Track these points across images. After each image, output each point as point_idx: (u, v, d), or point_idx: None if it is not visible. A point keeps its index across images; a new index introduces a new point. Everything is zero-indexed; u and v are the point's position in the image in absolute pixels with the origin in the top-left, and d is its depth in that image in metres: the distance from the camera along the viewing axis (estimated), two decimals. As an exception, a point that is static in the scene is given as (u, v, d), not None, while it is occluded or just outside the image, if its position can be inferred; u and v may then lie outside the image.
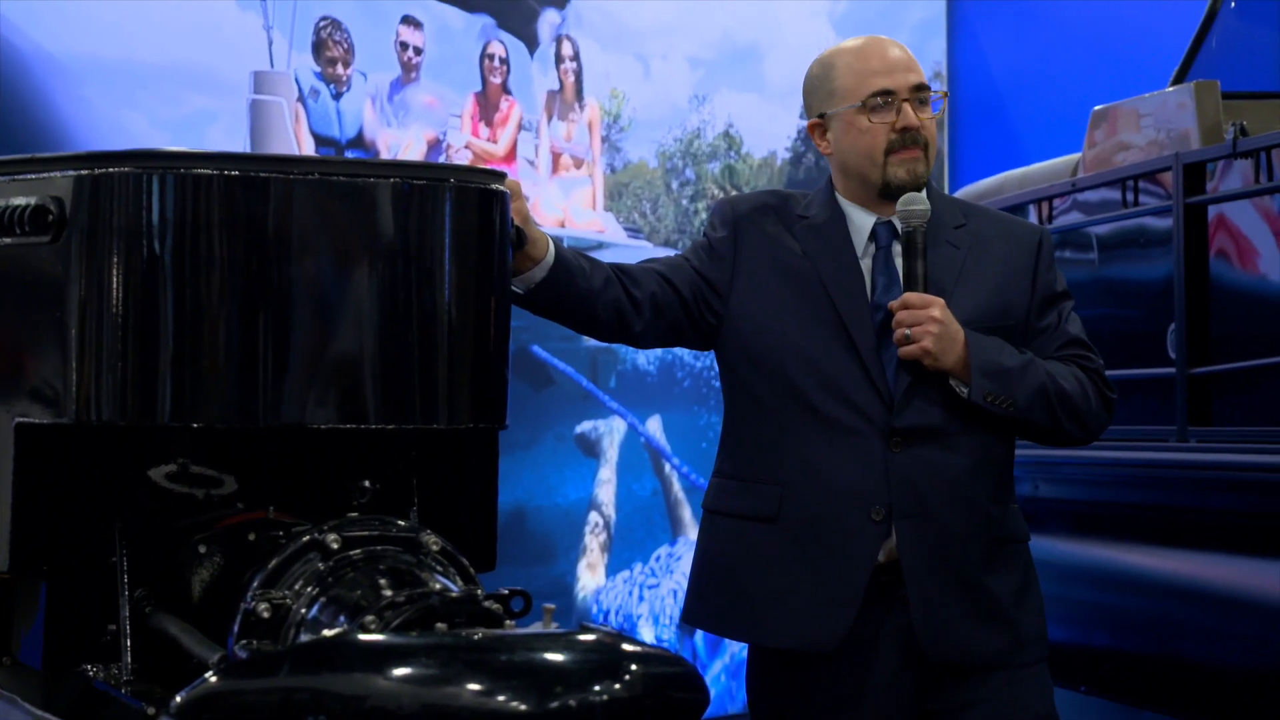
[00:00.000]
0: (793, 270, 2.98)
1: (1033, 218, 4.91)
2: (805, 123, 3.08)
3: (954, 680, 2.94)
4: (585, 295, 2.88)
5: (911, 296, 2.87)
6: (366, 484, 2.41)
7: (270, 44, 5.97)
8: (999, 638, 2.95)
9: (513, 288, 2.79)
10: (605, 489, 6.92)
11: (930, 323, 2.85)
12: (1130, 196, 4.52)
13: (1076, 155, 4.92)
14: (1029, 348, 2.98)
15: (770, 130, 7.39)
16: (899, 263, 2.95)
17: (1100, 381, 3.01)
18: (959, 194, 5.50)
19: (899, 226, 2.93)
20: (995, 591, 2.95)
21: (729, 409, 3.06)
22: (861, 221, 3.00)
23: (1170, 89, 4.62)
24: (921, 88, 2.95)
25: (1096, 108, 4.83)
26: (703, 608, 3.06)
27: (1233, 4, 5.09)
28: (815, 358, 2.93)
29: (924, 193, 2.96)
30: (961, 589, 2.92)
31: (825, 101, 3.00)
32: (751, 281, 2.99)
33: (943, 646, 2.91)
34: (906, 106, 2.93)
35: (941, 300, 2.88)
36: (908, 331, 2.86)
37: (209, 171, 2.23)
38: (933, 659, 2.91)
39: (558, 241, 2.87)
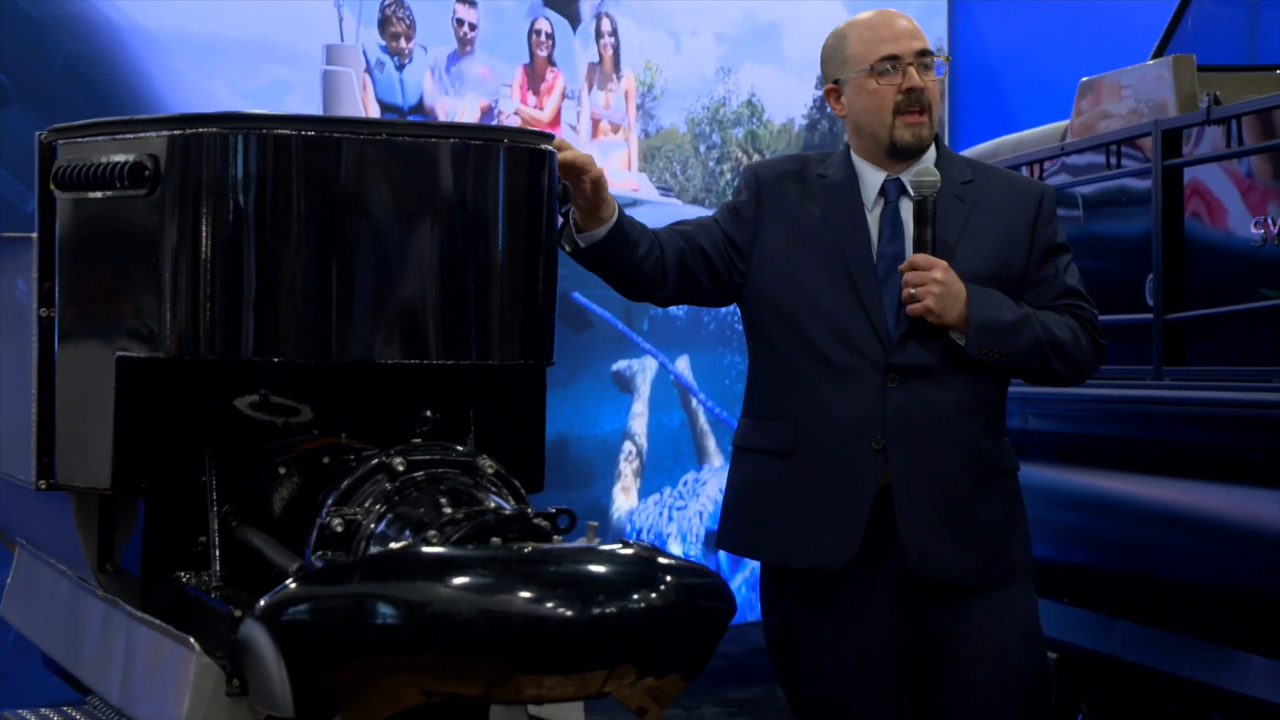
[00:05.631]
0: (808, 228, 2.96)
1: (1025, 178, 4.86)
2: (822, 91, 3.06)
3: (945, 598, 2.91)
4: (631, 262, 2.88)
5: (918, 258, 2.84)
6: (428, 414, 2.40)
7: (341, 20, 5.96)
8: (981, 559, 2.90)
9: (577, 241, 2.80)
10: (638, 421, 6.93)
11: (932, 283, 2.82)
12: (1113, 160, 4.47)
13: (1065, 122, 4.87)
14: (1027, 295, 2.95)
15: (789, 99, 7.36)
16: (905, 217, 2.93)
17: (1092, 329, 2.97)
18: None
19: (912, 195, 2.91)
20: (984, 517, 2.91)
21: (752, 357, 3.05)
22: (872, 178, 2.97)
23: (1150, 62, 4.56)
24: (925, 53, 2.92)
25: (1083, 79, 4.77)
26: (732, 535, 3.05)
27: (1208, -15, 5.03)
28: (824, 307, 2.91)
29: (933, 161, 2.94)
30: (950, 513, 2.88)
31: (840, 68, 2.97)
32: (771, 241, 2.98)
33: (927, 565, 2.88)
34: (911, 70, 2.90)
35: (945, 263, 2.84)
36: (913, 291, 2.84)
37: (288, 132, 2.22)
38: (918, 576, 2.88)
39: (621, 209, 2.86)
